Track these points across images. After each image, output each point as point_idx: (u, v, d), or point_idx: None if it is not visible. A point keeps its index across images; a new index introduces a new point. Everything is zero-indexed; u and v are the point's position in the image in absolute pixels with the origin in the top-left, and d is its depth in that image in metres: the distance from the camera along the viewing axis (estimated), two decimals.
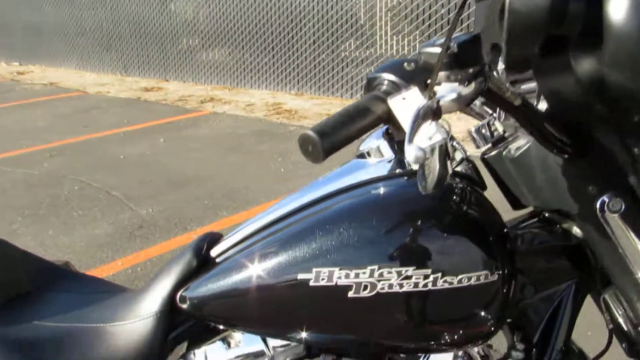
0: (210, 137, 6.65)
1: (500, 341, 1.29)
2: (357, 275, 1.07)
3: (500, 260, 1.09)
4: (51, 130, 7.14)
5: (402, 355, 1.21)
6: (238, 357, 1.25)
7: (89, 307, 1.37)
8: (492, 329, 1.13)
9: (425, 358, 1.19)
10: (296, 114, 7.45)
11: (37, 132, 7.02)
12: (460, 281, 1.06)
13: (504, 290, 1.10)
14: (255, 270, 1.14)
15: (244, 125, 7.05)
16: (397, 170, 1.19)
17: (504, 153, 1.19)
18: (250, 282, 1.15)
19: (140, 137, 6.68)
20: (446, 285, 1.05)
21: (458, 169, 1.23)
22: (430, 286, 1.05)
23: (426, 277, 1.05)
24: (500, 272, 1.08)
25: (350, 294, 1.08)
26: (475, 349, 1.23)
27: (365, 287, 1.07)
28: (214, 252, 1.26)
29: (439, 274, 1.05)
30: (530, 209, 1.25)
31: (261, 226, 1.21)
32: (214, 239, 1.31)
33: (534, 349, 1.25)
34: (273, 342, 1.23)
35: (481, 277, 1.06)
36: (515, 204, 1.23)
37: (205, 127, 7.08)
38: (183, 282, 1.25)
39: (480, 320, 1.11)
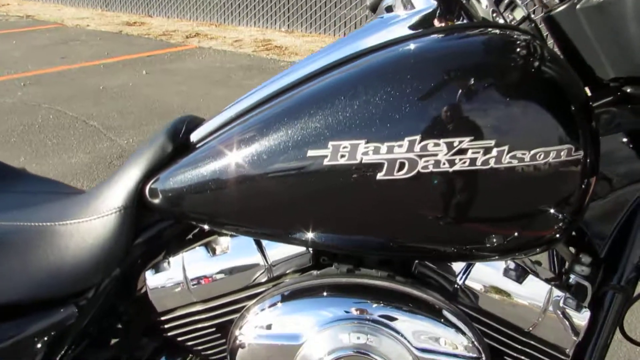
0: (195, 70, 6.27)
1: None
2: (390, 150, 0.78)
3: (586, 134, 0.80)
4: (26, 60, 6.72)
5: (433, 264, 0.93)
6: (224, 267, 0.97)
7: (42, 205, 1.08)
8: (561, 232, 0.85)
9: (465, 271, 0.92)
10: (287, 50, 7.05)
11: (11, 62, 6.60)
12: (534, 157, 0.77)
13: (588, 177, 0.82)
14: (247, 151, 0.86)
15: (231, 60, 6.66)
16: (434, 26, 0.90)
17: (578, 6, 0.89)
18: (240, 166, 0.86)
19: (121, 69, 6.28)
20: (514, 163, 0.77)
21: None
22: (492, 163, 0.77)
23: (487, 150, 0.77)
24: (587, 149, 0.80)
25: (380, 175, 0.79)
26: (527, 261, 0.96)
27: (402, 166, 0.79)
28: (194, 137, 0.97)
29: (505, 147, 0.77)
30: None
31: (260, 100, 0.91)
32: (195, 121, 1.02)
33: (603, 264, 0.99)
34: (270, 248, 0.95)
35: (562, 153, 0.78)
36: (587, 78, 0.94)
37: (190, 61, 6.68)
38: (155, 172, 0.96)
39: (550, 217, 0.83)
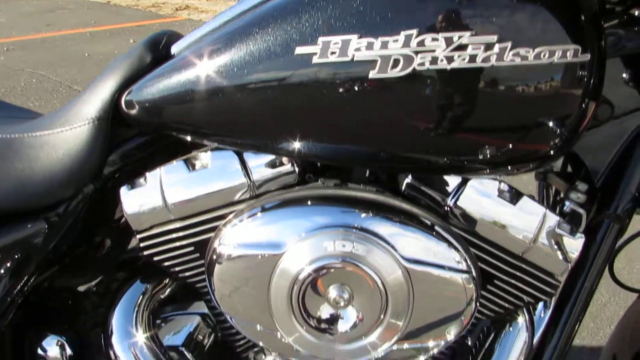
0: None
1: None
2: (384, 45, 0.74)
3: (594, 38, 0.76)
4: (11, 26, 6.60)
5: (424, 182, 0.89)
6: (204, 183, 0.91)
7: (12, 120, 1.03)
8: (556, 150, 0.81)
9: (456, 191, 0.87)
10: None
11: None
12: (538, 56, 0.73)
13: (591, 89, 0.78)
14: (230, 54, 0.81)
15: None
16: None
17: None
18: (222, 71, 0.82)
19: (108, 37, 6.18)
20: (517, 61, 0.73)
21: None
22: (493, 61, 0.73)
23: (489, 46, 0.72)
24: (594, 54, 0.75)
25: (373, 73, 0.75)
26: None
27: (396, 63, 0.74)
28: (175, 49, 0.92)
29: (509, 44, 0.72)
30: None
31: (244, 9, 0.86)
32: (176, 36, 0.97)
33: (599, 194, 0.95)
34: (253, 165, 0.90)
35: (568, 54, 0.73)
36: None
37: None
38: (132, 83, 0.90)
39: (546, 132, 0.79)
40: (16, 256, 0.92)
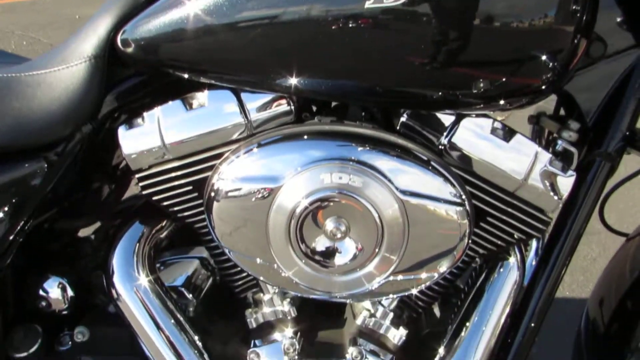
0: None
1: None
2: None
3: None
4: None
5: (419, 119, 0.90)
6: (201, 122, 0.92)
7: (8, 61, 1.03)
8: (548, 85, 0.82)
9: (451, 128, 0.88)
10: None
11: None
12: None
13: (586, 21, 0.78)
14: None
15: None
16: None
17: None
18: (219, 7, 0.82)
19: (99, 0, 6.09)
20: None
21: None
22: None
23: None
24: None
25: (369, 3, 0.75)
26: None
27: None
28: None
29: None
30: None
31: None
32: None
33: (590, 133, 0.97)
34: (250, 101, 0.91)
35: None
36: None
37: None
38: (128, 20, 0.90)
39: (539, 65, 0.80)
40: (15, 194, 0.93)
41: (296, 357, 0.98)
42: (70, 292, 1.08)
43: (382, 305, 1.00)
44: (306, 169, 0.83)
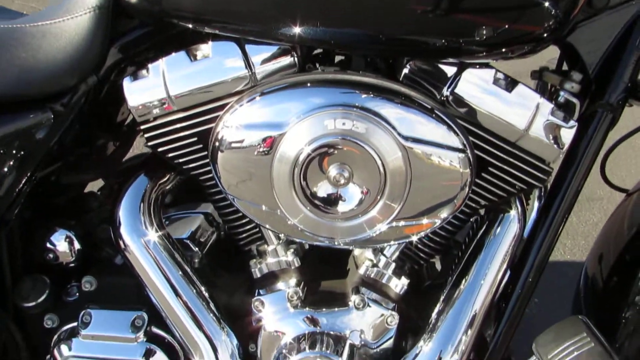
0: None
1: None
2: None
3: None
4: None
5: (422, 69, 0.90)
6: (205, 73, 0.92)
7: (13, 14, 1.03)
8: (549, 32, 0.83)
9: (454, 78, 0.89)
10: None
11: None
12: None
13: None
14: None
15: None
16: None
17: None
18: None
19: None
20: None
21: None
22: None
23: None
24: None
25: None
26: None
27: None
28: None
29: None
30: None
31: None
32: None
33: (592, 84, 0.97)
34: (253, 52, 0.91)
35: None
36: None
37: None
38: None
39: (541, 12, 0.81)
40: (22, 145, 0.94)
41: (299, 305, 1.00)
42: (77, 245, 1.10)
43: (384, 255, 1.01)
44: (309, 115, 0.84)
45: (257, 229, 1.04)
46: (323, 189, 0.87)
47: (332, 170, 0.86)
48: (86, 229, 1.12)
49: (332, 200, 0.88)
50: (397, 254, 1.02)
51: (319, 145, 0.84)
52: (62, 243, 1.10)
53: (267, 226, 0.94)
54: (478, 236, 1.02)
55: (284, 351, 0.99)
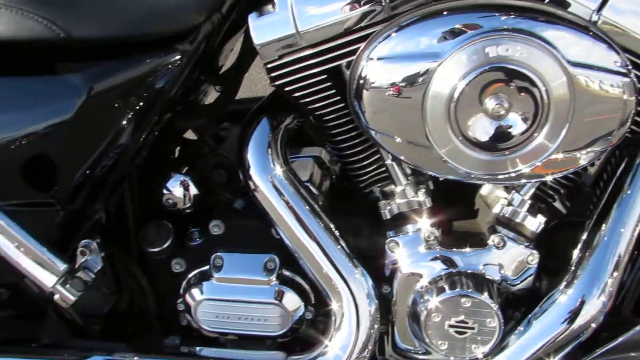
0: None
1: None
2: None
3: None
4: None
5: None
6: (336, 6, 0.88)
7: None
8: None
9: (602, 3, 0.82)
10: None
11: None
12: None
13: None
14: None
15: None
16: None
17: None
18: None
19: None
20: None
21: None
22: None
23: None
24: None
25: None
26: None
27: None
28: None
29: None
30: None
31: None
32: None
33: None
34: None
35: None
36: None
37: None
38: None
39: None
40: (150, 88, 0.92)
41: (436, 245, 0.97)
42: (193, 190, 1.09)
43: (519, 193, 0.97)
44: (468, 43, 0.78)
45: (383, 169, 1.01)
46: (479, 122, 0.82)
47: (490, 102, 0.81)
48: (201, 174, 1.11)
49: (489, 134, 0.83)
50: (532, 191, 0.98)
51: (477, 74, 0.79)
52: (179, 189, 1.09)
53: (409, 161, 0.90)
54: (617, 175, 0.97)
55: (422, 292, 0.96)
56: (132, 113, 0.92)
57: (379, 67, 0.83)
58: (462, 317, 0.94)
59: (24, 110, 0.89)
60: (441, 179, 1.03)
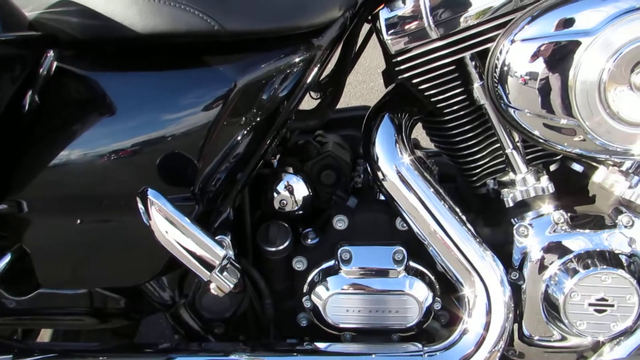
0: None
1: None
2: None
3: None
4: None
5: None
6: None
7: None
8: None
9: None
10: None
11: None
12: None
13: None
14: None
15: None
16: None
17: None
18: None
19: None
20: None
21: None
22: None
23: None
24: None
25: None
26: None
27: None
28: None
29: None
30: None
31: None
32: None
33: None
34: None
35: None
36: None
37: None
38: None
39: None
40: (282, 84, 0.94)
41: (566, 228, 0.99)
42: (305, 191, 1.10)
43: (638, 175, 1.00)
44: (619, 19, 0.83)
45: (500, 160, 1.03)
46: (628, 97, 0.86)
47: (638, 77, 0.84)
48: (311, 175, 1.12)
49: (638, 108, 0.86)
50: None
51: (628, 50, 0.83)
52: (290, 190, 1.10)
53: (552, 139, 0.92)
54: None
55: (557, 274, 0.98)
56: (273, 106, 0.94)
57: (526, 48, 0.87)
58: (602, 295, 0.96)
59: (171, 104, 0.90)
60: (553, 168, 1.07)
